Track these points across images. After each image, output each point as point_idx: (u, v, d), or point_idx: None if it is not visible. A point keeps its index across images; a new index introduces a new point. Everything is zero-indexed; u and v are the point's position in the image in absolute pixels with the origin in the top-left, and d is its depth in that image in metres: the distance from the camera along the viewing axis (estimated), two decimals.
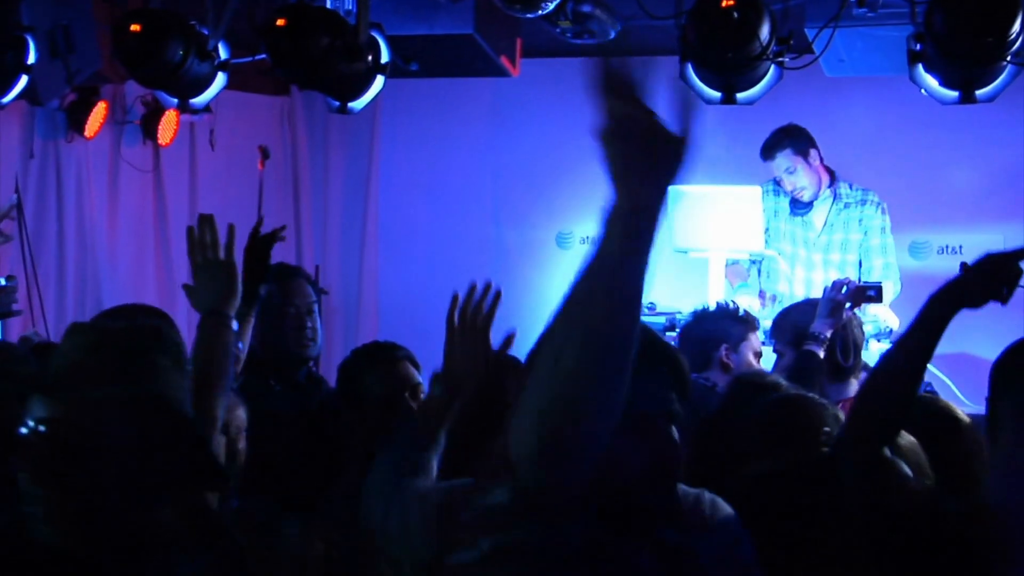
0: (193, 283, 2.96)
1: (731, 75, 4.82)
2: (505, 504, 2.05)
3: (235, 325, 3.08)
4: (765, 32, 4.60)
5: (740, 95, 4.89)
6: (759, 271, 6.76)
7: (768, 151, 6.58)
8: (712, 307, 4.75)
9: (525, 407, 1.82)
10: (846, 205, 6.57)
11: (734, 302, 4.72)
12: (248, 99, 7.95)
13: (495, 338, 2.80)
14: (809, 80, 5.75)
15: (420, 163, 8.65)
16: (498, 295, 2.82)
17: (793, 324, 4.55)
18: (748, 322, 4.60)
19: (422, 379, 3.61)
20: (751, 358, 4.50)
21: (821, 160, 6.57)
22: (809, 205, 6.61)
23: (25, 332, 6.81)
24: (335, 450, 3.76)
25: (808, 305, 4.74)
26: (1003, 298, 2.51)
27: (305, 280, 4.23)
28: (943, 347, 2.56)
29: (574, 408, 1.77)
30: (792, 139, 6.52)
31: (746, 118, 6.59)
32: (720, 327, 4.52)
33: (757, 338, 4.62)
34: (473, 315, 2.81)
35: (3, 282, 4.60)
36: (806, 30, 5.06)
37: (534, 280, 8.34)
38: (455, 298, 2.83)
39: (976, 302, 2.51)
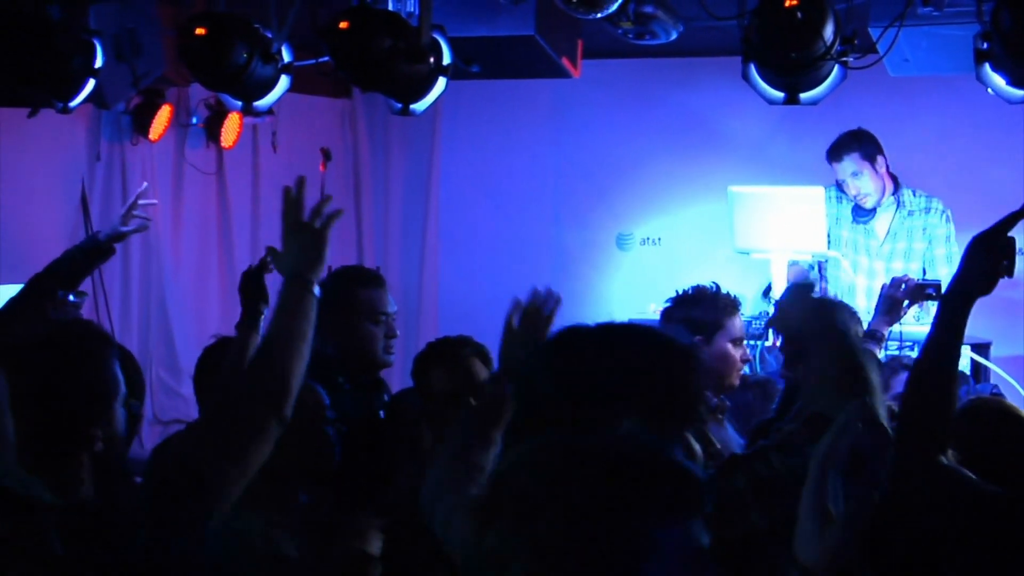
0: (282, 247, 2.93)
1: (794, 75, 4.77)
2: None
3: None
4: (829, 32, 4.55)
5: (803, 95, 4.84)
6: (821, 275, 6.70)
7: (835, 153, 6.54)
8: (688, 291, 4.29)
9: None
10: (910, 213, 6.51)
11: (715, 283, 4.25)
12: (310, 101, 8.00)
13: None
14: (872, 80, 5.71)
15: (480, 164, 8.68)
16: (558, 301, 2.83)
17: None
18: (725, 307, 4.17)
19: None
20: (728, 348, 4.09)
21: (887, 167, 6.51)
22: (872, 212, 6.55)
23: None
24: (396, 452, 3.79)
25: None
26: (1009, 272, 2.47)
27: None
28: (1008, 349, 2.54)
29: None
30: (860, 143, 6.47)
31: (808, 119, 6.56)
32: (691, 316, 4.10)
33: (737, 324, 4.21)
34: (533, 318, 2.82)
35: (72, 297, 4.65)
36: (870, 29, 5.00)
37: (593, 281, 8.35)
38: (516, 302, 2.83)
39: (984, 288, 2.47)
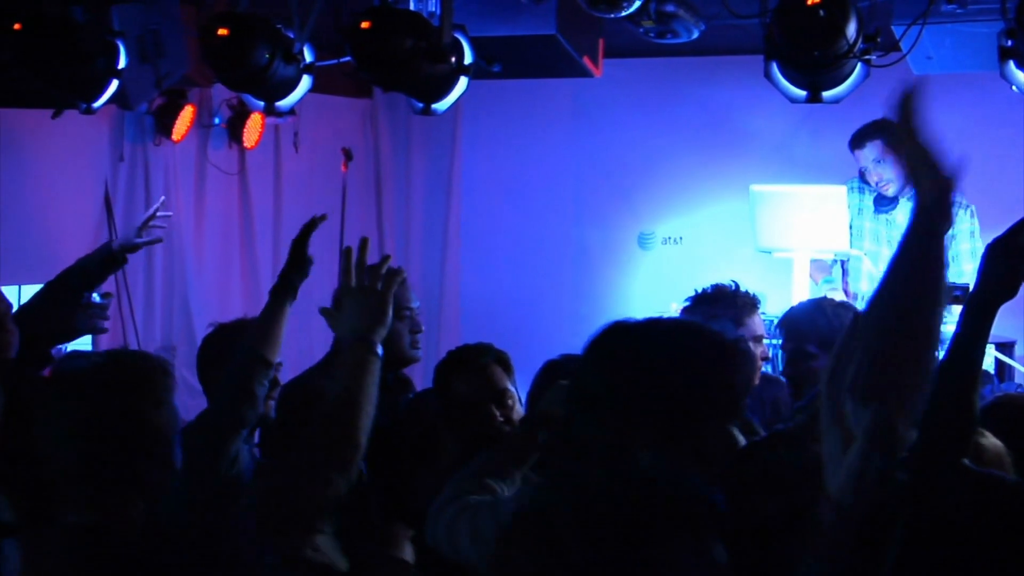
0: (336, 307, 2.90)
1: (817, 73, 4.77)
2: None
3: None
4: (852, 30, 4.54)
5: (826, 94, 4.84)
6: (843, 269, 6.69)
7: (858, 141, 6.53)
8: (708, 289, 4.28)
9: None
10: None
11: (735, 282, 4.25)
12: (331, 101, 8.02)
13: None
14: (895, 78, 5.68)
15: (501, 164, 8.68)
16: None
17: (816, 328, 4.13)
18: (744, 305, 4.17)
19: (514, 383, 3.63)
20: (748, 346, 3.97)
21: None
22: (894, 202, 6.53)
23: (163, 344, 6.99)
24: (420, 453, 3.79)
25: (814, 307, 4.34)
26: None
27: None
28: None
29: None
30: (883, 132, 6.47)
31: (829, 117, 6.54)
32: (711, 314, 4.07)
33: (757, 322, 4.20)
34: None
35: (97, 298, 4.64)
36: (893, 27, 5.00)
37: (615, 280, 8.34)
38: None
39: (1007, 294, 2.44)
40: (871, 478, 2.12)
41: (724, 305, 4.11)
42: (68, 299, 4.67)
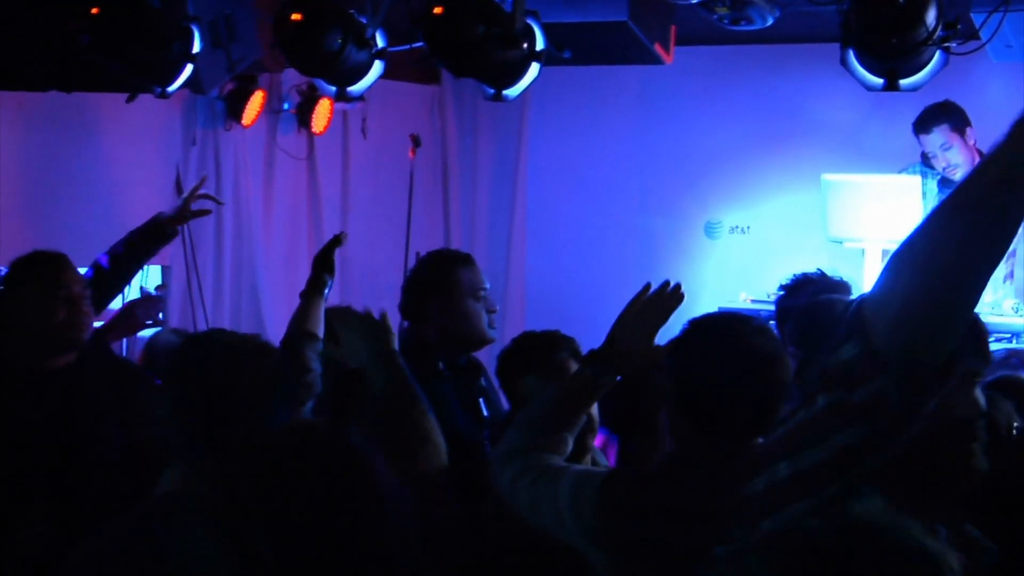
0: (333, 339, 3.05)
1: (895, 61, 4.71)
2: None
3: None
4: (932, 17, 4.48)
5: (903, 81, 4.77)
6: None
7: (923, 125, 6.44)
8: (811, 274, 4.22)
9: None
10: None
11: (820, 270, 4.22)
12: (399, 88, 8.03)
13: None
14: (971, 66, 5.60)
15: (568, 151, 8.66)
16: (682, 297, 2.81)
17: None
18: (843, 290, 4.12)
19: None
20: None
21: (975, 141, 6.41)
22: None
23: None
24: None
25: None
26: None
27: None
28: None
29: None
30: (949, 116, 6.38)
31: (902, 106, 6.46)
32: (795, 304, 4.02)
33: None
34: (654, 305, 2.81)
35: (152, 291, 4.70)
36: (973, 15, 4.93)
37: (681, 269, 8.28)
38: (647, 286, 2.84)
39: None
40: None
41: (811, 293, 4.05)
42: (116, 272, 4.72)
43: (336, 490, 1.56)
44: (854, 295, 4.29)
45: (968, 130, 6.37)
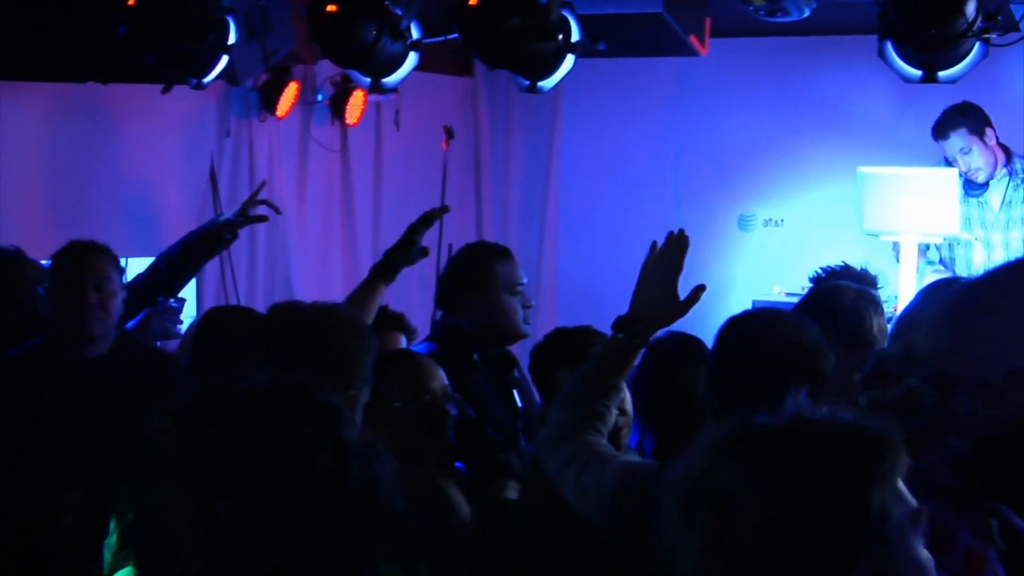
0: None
1: (934, 53, 4.67)
2: None
3: None
4: (971, 8, 4.44)
5: (942, 73, 4.74)
6: (937, 247, 6.55)
7: (941, 131, 6.39)
8: (837, 267, 4.20)
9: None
10: (1023, 181, 6.36)
11: (844, 262, 4.21)
12: (432, 80, 8.02)
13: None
14: (1010, 58, 5.56)
15: (601, 144, 8.64)
16: (687, 240, 2.88)
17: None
18: (870, 283, 4.09)
19: None
20: None
21: (996, 139, 6.35)
22: (984, 186, 6.41)
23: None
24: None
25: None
26: None
27: None
28: None
29: None
30: (967, 118, 6.32)
31: (939, 98, 6.42)
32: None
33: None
34: (665, 255, 2.81)
35: (172, 303, 4.72)
36: (1013, 6, 4.88)
37: (714, 263, 8.26)
38: (654, 244, 2.82)
39: None
40: None
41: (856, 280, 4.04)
42: (173, 275, 4.75)
43: (297, 449, 1.54)
44: (882, 288, 4.28)
45: (988, 130, 6.32)
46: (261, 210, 4.90)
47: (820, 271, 4.18)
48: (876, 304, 3.65)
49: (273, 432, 1.55)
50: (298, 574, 1.51)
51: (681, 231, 2.88)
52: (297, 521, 1.51)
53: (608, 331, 3.64)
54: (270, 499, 1.51)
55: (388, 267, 3.84)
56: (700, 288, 2.76)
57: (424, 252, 3.96)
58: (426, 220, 3.92)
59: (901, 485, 1.44)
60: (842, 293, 3.63)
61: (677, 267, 2.81)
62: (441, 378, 3.23)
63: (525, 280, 4.14)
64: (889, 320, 5.91)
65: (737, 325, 2.69)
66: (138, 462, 1.68)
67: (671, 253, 2.82)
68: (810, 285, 4.18)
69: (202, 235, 4.78)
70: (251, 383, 1.61)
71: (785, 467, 1.41)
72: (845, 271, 4.09)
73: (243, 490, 1.52)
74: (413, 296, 6.71)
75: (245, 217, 4.78)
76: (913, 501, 1.44)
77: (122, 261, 6.05)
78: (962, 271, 6.41)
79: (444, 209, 3.95)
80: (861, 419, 1.47)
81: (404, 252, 3.86)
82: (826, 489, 1.39)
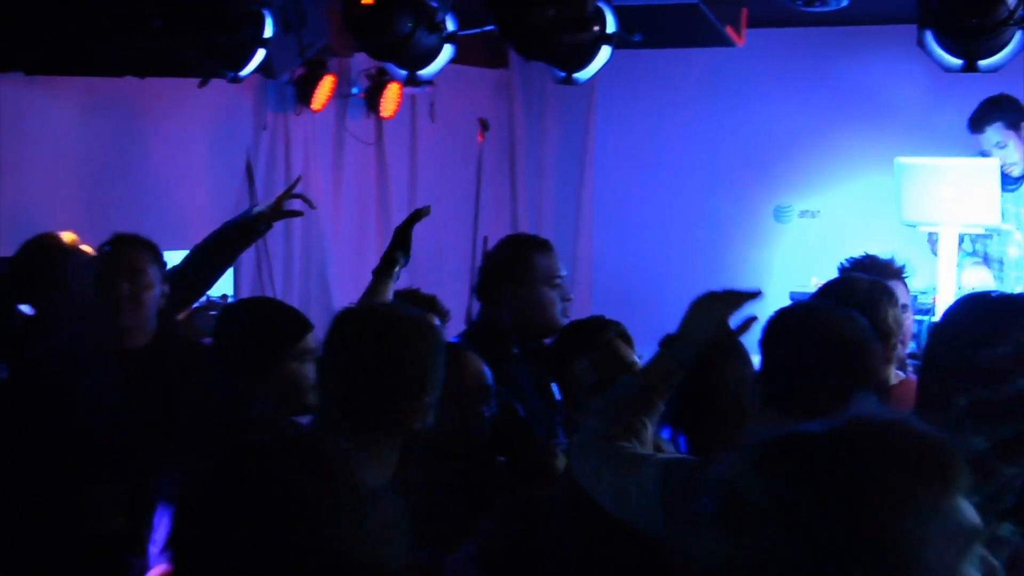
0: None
1: (974, 42, 4.62)
2: None
3: None
4: None
5: (983, 62, 4.68)
6: (972, 238, 6.49)
7: (977, 124, 6.33)
8: (862, 258, 4.18)
9: None
10: None
11: (866, 253, 4.18)
12: (466, 72, 8.02)
13: None
14: None
15: (636, 135, 8.61)
16: (756, 294, 2.80)
17: None
18: (892, 273, 4.07)
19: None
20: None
21: None
22: (1020, 180, 6.35)
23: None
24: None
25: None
26: None
27: None
28: None
29: None
30: (1003, 111, 6.25)
31: (977, 88, 6.36)
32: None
33: (901, 290, 4.03)
34: (728, 295, 2.79)
35: (218, 298, 4.73)
36: None
37: (750, 255, 8.23)
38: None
39: None
40: None
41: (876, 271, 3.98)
42: (206, 266, 4.77)
43: (309, 496, 1.55)
44: (909, 276, 4.25)
45: None
46: (296, 204, 4.90)
47: (846, 262, 4.15)
48: (890, 294, 3.62)
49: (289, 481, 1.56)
50: None
51: (758, 291, 2.85)
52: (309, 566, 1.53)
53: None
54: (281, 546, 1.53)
55: (389, 268, 3.87)
56: (751, 320, 2.76)
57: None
58: (414, 219, 3.99)
59: (961, 500, 1.40)
60: (855, 284, 3.59)
61: (734, 308, 2.80)
62: (483, 373, 3.23)
63: (564, 273, 4.12)
64: (929, 311, 5.92)
65: (780, 323, 2.67)
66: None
67: (736, 296, 2.81)
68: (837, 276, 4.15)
69: (236, 226, 4.78)
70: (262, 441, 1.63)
71: (838, 476, 1.37)
72: (870, 262, 4.05)
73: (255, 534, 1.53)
74: (446, 287, 6.71)
75: (280, 211, 4.77)
76: (975, 519, 1.40)
77: None
78: (995, 264, 6.35)
79: (426, 209, 4.02)
80: (920, 427, 1.43)
81: (404, 251, 3.90)
82: (880, 501, 1.35)
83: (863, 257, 4.14)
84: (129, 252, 3.99)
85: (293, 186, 4.85)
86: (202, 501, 1.60)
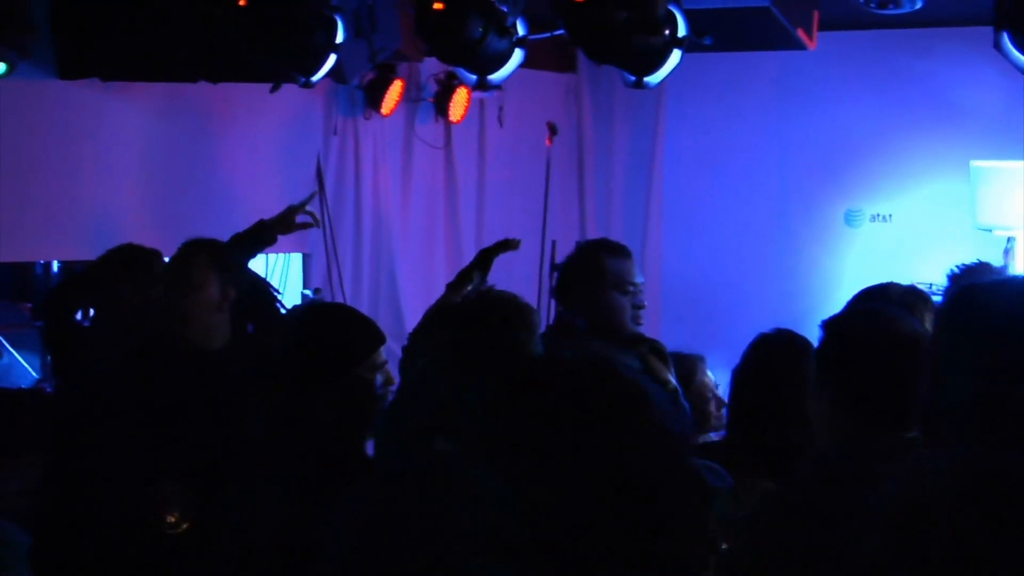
0: None
1: None
2: None
3: None
4: None
5: None
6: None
7: None
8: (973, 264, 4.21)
9: None
10: None
11: (981, 261, 4.23)
12: (535, 76, 8.02)
13: None
14: None
15: (705, 139, 8.57)
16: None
17: None
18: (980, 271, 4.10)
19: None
20: None
21: None
22: None
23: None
24: None
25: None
26: None
27: None
28: None
29: None
30: None
31: None
32: None
33: None
34: None
35: (311, 293, 4.74)
36: None
37: (821, 259, 8.17)
38: None
39: None
40: None
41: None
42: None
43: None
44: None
45: None
46: (306, 217, 4.89)
47: (956, 268, 4.14)
48: (925, 299, 3.65)
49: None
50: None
51: None
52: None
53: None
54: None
55: (462, 284, 4.07)
56: None
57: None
58: (502, 248, 4.13)
59: None
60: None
61: None
62: None
63: (639, 280, 4.11)
64: None
65: (839, 325, 2.63)
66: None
67: None
68: (946, 283, 4.14)
69: (248, 237, 4.77)
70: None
71: None
72: (981, 268, 4.05)
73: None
74: (515, 291, 6.71)
75: (291, 224, 4.77)
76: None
77: None
78: None
79: (517, 242, 4.16)
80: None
81: (484, 273, 4.08)
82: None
83: (974, 264, 4.14)
84: (190, 262, 4.04)
85: (307, 201, 4.85)
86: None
